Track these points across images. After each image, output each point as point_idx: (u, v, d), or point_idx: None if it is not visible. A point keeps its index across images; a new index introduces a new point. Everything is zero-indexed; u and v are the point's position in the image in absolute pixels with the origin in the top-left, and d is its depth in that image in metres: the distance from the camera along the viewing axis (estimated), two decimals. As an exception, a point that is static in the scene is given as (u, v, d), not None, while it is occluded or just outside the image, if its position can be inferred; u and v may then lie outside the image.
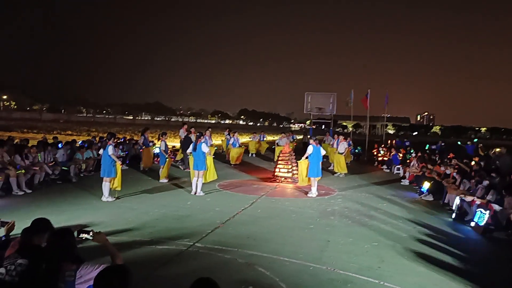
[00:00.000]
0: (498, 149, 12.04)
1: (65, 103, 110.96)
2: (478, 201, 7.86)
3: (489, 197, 7.85)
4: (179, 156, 16.35)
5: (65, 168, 11.04)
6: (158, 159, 14.72)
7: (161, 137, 12.60)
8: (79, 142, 14.18)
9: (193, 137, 16.81)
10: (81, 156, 11.97)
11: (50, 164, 10.59)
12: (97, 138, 16.52)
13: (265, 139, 23.95)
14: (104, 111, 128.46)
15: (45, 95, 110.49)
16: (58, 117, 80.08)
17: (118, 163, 8.95)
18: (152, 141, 15.44)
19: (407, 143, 23.20)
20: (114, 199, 8.79)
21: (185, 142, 13.67)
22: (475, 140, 22.07)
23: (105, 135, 10.94)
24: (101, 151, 9.23)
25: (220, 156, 18.22)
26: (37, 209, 7.57)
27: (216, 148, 17.41)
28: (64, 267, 2.74)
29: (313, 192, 10.38)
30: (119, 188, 8.97)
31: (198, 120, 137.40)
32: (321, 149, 10.96)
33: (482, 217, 7.30)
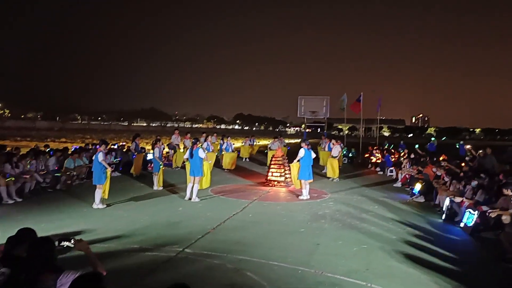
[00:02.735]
0: (480, 151, 12.20)
1: (59, 111, 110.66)
2: (467, 202, 7.93)
3: (477, 197, 7.91)
4: (175, 164, 16.33)
5: (58, 174, 11.00)
6: (151, 166, 14.72)
7: (155, 144, 12.38)
8: (72, 148, 14.14)
9: (188, 142, 16.88)
10: (73, 162, 11.91)
11: (42, 173, 10.56)
12: (90, 145, 16.49)
13: (255, 143, 24.09)
14: (99, 118, 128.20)
15: (39, 103, 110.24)
16: (52, 125, 79.55)
17: (108, 169, 8.93)
18: (144, 148, 15.42)
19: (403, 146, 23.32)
20: (105, 206, 8.77)
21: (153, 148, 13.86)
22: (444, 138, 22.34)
23: (97, 142, 10.92)
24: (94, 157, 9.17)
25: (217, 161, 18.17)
26: (26, 218, 7.55)
27: (217, 154, 17.27)
28: (43, 276, 2.75)
29: (305, 195, 10.42)
30: (106, 197, 8.91)
31: (194, 125, 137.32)
32: (312, 152, 11.02)
33: (470, 217, 7.36)
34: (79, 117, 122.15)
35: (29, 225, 6.64)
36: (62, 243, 3.11)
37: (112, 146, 15.85)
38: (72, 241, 3.11)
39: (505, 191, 7.22)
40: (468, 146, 16.33)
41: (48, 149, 13.17)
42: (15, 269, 2.88)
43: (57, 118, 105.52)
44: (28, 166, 10.24)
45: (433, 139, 20.77)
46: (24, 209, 8.35)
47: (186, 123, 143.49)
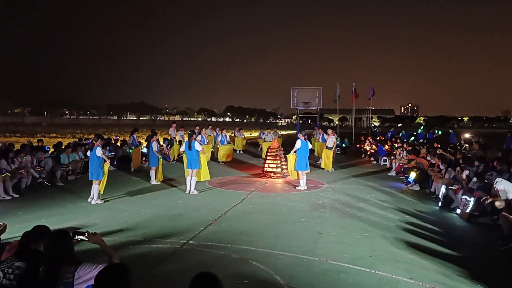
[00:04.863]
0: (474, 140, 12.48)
1: (47, 106, 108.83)
2: (463, 189, 8.07)
3: (471, 184, 8.07)
4: (172, 157, 16.30)
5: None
6: (144, 160, 14.66)
7: (152, 138, 12.05)
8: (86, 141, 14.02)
9: (182, 134, 16.82)
10: (67, 157, 11.82)
11: (38, 168, 10.45)
12: (84, 140, 16.38)
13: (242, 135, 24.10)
14: (88, 112, 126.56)
15: (26, 98, 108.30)
16: (41, 120, 78.57)
17: (107, 162, 8.87)
18: (140, 142, 15.33)
19: (390, 133, 23.55)
20: (103, 201, 8.71)
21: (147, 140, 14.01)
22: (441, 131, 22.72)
23: (92, 136, 10.80)
24: (88, 153, 9.11)
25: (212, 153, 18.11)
26: (27, 213, 7.50)
27: (213, 149, 17.20)
28: (62, 269, 2.76)
29: (302, 186, 10.51)
30: (101, 192, 8.82)
31: (185, 119, 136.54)
32: (309, 143, 11.12)
33: (467, 204, 7.51)
34: (67, 112, 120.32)
35: (30, 220, 6.63)
36: (76, 237, 3.12)
37: (107, 141, 15.72)
38: (86, 235, 3.11)
39: (488, 182, 7.35)
40: (467, 135, 16.60)
41: (43, 143, 13.01)
42: (31, 263, 2.89)
43: (45, 113, 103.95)
44: (24, 158, 10.14)
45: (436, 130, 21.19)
46: (23, 205, 8.28)
47: (176, 116, 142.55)
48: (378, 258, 5.33)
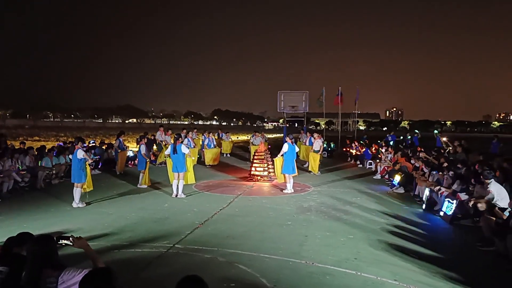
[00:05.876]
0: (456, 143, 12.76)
1: (30, 108, 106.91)
2: (445, 192, 8.24)
3: (454, 186, 8.24)
4: (159, 160, 16.16)
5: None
6: (132, 163, 14.52)
7: (140, 141, 11.94)
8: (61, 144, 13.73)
9: (169, 138, 16.71)
10: (50, 160, 11.63)
11: (22, 172, 10.26)
12: (68, 143, 16.12)
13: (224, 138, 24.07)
14: (72, 115, 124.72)
15: (7, 100, 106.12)
16: (23, 123, 76.93)
17: (89, 161, 8.78)
18: (126, 145, 15.20)
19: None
20: (85, 204, 8.60)
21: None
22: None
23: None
24: (71, 156, 9.00)
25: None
26: (8, 218, 7.34)
27: (199, 155, 17.10)
28: (45, 274, 2.72)
29: (289, 189, 10.56)
30: (91, 188, 8.76)
31: (172, 122, 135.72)
32: (296, 146, 11.20)
33: (449, 206, 7.67)
34: (51, 115, 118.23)
35: (12, 225, 6.51)
36: (61, 241, 3.08)
37: (91, 144, 15.52)
38: (71, 239, 3.08)
39: (483, 179, 7.53)
40: (444, 139, 16.95)
41: (25, 146, 12.76)
42: (14, 267, 2.84)
43: (28, 115, 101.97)
44: (14, 162, 9.97)
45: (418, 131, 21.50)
46: (4, 210, 8.10)
47: (163, 119, 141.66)
48: (363, 260, 5.39)
